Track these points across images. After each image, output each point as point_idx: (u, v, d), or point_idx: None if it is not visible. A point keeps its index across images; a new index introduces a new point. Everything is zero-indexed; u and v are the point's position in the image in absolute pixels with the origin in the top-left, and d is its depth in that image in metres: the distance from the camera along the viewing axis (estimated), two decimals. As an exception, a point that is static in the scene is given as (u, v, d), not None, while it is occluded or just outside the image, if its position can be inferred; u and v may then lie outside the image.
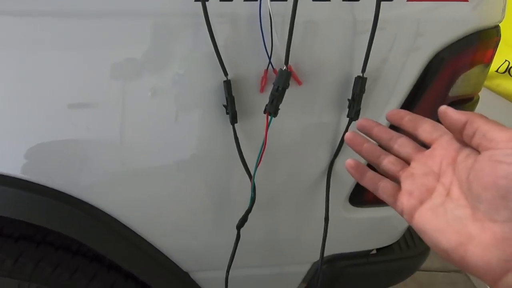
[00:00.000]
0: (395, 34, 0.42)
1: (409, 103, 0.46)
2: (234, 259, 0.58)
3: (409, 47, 0.43)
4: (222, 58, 0.39)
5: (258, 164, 0.43)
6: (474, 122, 0.24)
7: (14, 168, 0.43)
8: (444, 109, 0.25)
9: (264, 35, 0.38)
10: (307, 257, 0.64)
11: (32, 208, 0.48)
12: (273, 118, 0.39)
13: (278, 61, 0.40)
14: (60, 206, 0.48)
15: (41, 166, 0.45)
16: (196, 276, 0.65)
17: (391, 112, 0.30)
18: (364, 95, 0.43)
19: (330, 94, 0.43)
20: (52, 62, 0.38)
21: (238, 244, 0.55)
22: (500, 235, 0.20)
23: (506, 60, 1.43)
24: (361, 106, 0.43)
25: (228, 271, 0.55)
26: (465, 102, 0.50)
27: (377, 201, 0.61)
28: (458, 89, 0.47)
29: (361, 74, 0.41)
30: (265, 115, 0.40)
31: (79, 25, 0.37)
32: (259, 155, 0.42)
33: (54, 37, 0.37)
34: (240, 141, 0.43)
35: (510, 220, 0.20)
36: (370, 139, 0.31)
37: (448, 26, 0.43)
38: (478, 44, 0.45)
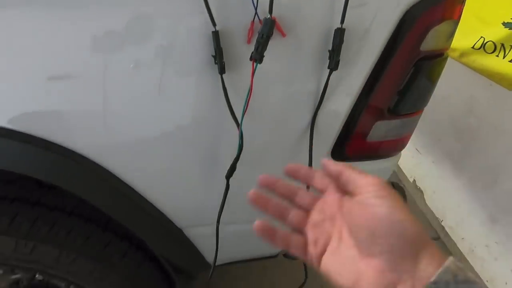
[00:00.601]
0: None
1: (385, 55, 0.50)
2: (224, 215, 0.61)
3: (383, 2, 0.46)
4: (211, 10, 0.41)
5: (245, 112, 0.46)
6: (345, 172, 0.28)
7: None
8: (324, 161, 0.30)
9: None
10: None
11: (30, 161, 0.49)
12: (258, 65, 0.42)
13: (264, 14, 0.43)
14: (61, 160, 0.50)
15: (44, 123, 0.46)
16: (190, 232, 0.69)
17: (287, 168, 0.33)
18: (344, 47, 0.46)
19: (312, 45, 0.47)
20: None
21: (228, 199, 0.59)
22: (379, 268, 0.24)
23: (481, 37, 1.48)
24: (341, 58, 0.47)
25: (218, 221, 0.59)
26: (436, 58, 0.55)
27: (358, 156, 0.66)
28: (429, 43, 0.51)
29: (340, 26, 0.45)
30: (251, 62, 0.42)
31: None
32: (245, 102, 0.45)
33: None
34: (228, 91, 0.46)
35: (382, 254, 0.24)
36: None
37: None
38: (447, 1, 0.48)
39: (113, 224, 0.69)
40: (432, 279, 0.22)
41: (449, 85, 1.68)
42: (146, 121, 0.50)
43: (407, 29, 0.48)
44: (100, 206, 0.57)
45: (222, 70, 0.44)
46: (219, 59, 0.43)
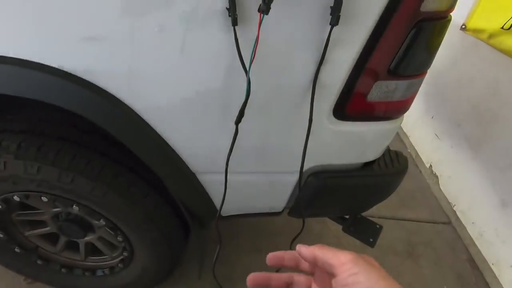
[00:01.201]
0: None
1: (385, 14, 0.54)
2: (233, 163, 0.69)
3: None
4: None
5: (252, 61, 0.52)
6: (318, 256, 0.30)
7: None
8: (298, 248, 0.32)
9: None
10: (296, 166, 0.74)
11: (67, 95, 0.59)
12: (265, 16, 0.48)
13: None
14: (100, 100, 0.60)
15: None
16: (202, 178, 0.78)
17: (269, 258, 0.34)
18: (345, 4, 0.51)
19: (315, 1, 0.51)
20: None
21: (236, 147, 0.66)
22: None
23: (512, 17, 1.42)
24: (341, 15, 0.52)
25: (227, 163, 0.67)
26: (439, 20, 0.57)
27: (359, 116, 0.70)
28: (429, 4, 0.54)
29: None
30: (259, 14, 0.48)
31: None
32: (252, 51, 0.51)
33: None
34: (239, 42, 0.52)
35: None
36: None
37: None
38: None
39: (137, 166, 0.80)
40: None
41: (473, 67, 1.63)
42: (167, 72, 0.57)
43: (407, -11, 0.52)
44: (127, 143, 0.67)
45: (234, 22, 0.50)
46: (233, 12, 0.50)
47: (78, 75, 0.57)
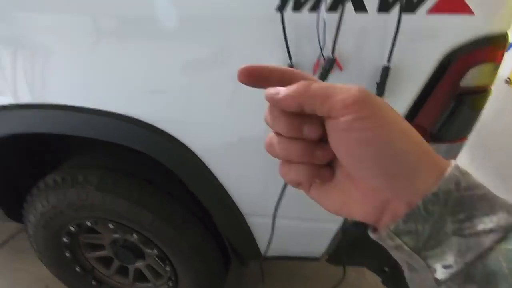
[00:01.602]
0: (416, 35, 0.57)
1: (427, 88, 0.61)
2: (281, 208, 0.76)
3: (427, 46, 0.58)
4: (289, 47, 0.59)
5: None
6: (309, 91, 0.21)
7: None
8: (269, 94, 0.23)
9: (319, 35, 0.57)
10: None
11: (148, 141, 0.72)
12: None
13: (327, 53, 0.58)
14: (163, 141, 0.73)
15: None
16: (250, 219, 0.85)
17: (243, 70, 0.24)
18: (389, 79, 0.59)
19: (362, 77, 0.60)
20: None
21: (286, 194, 0.73)
22: (368, 189, 0.23)
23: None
24: (386, 91, 0.60)
25: (276, 209, 0.73)
26: (478, 93, 0.63)
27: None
28: (469, 81, 0.60)
29: (386, 64, 0.58)
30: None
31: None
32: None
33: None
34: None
35: (372, 178, 0.21)
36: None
37: (460, 32, 0.57)
38: (486, 47, 0.58)
39: (192, 203, 0.90)
40: (433, 190, 0.20)
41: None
42: (218, 120, 0.70)
43: (448, 68, 0.59)
44: (184, 179, 0.78)
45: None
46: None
47: (145, 121, 0.71)
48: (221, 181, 0.77)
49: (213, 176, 0.77)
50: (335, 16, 0.56)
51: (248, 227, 0.86)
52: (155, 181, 0.91)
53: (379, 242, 0.23)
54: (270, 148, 0.25)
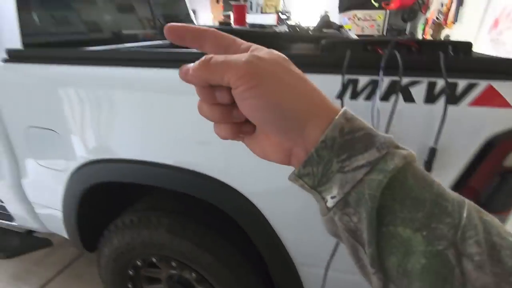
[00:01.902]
0: (459, 123, 0.67)
1: (471, 168, 0.68)
2: (334, 261, 0.83)
3: (470, 131, 0.67)
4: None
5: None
6: (208, 78, 0.25)
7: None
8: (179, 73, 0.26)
9: (373, 120, 0.68)
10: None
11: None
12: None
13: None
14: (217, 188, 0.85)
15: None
16: (301, 268, 0.92)
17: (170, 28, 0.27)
18: (435, 160, 0.68)
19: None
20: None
21: (339, 248, 0.81)
22: (275, 140, 0.28)
23: None
24: (433, 168, 0.68)
25: (329, 263, 0.81)
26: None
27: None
28: (511, 162, 0.67)
29: (433, 146, 0.67)
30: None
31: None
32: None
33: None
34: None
35: (274, 133, 0.26)
36: None
37: (500, 121, 0.65)
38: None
39: (247, 250, 1.00)
40: (322, 138, 0.24)
41: None
42: (260, 170, 0.81)
43: (490, 150, 0.67)
44: (241, 223, 0.89)
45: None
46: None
47: (194, 169, 0.84)
48: (274, 228, 0.87)
49: (267, 222, 0.87)
50: (386, 104, 0.68)
51: (299, 278, 0.94)
52: (217, 225, 1.03)
53: (293, 182, 0.27)
54: (200, 112, 0.28)
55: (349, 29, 6.11)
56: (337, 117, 0.25)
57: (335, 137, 0.24)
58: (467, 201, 0.24)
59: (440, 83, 0.65)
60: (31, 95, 1.01)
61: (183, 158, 0.87)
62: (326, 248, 0.82)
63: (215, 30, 0.28)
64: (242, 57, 0.25)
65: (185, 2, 2.16)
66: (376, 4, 6.08)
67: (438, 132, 0.66)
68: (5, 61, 1.02)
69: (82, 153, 0.99)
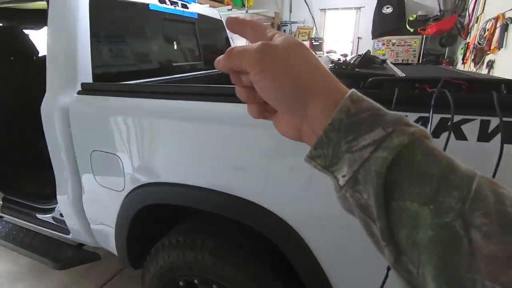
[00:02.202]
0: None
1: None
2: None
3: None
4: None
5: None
6: (233, 66, 0.30)
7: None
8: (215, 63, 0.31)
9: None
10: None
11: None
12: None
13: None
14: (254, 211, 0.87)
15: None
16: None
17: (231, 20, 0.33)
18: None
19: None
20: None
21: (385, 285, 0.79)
22: (287, 120, 0.32)
23: None
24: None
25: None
26: None
27: None
28: None
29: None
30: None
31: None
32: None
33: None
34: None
35: (282, 112, 0.31)
36: None
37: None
38: None
39: (290, 276, 1.00)
40: (329, 121, 0.26)
41: None
42: (294, 199, 0.81)
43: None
44: (281, 246, 0.91)
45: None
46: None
47: (227, 192, 0.89)
48: (315, 254, 0.87)
49: (307, 247, 0.87)
50: (436, 141, 0.69)
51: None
52: (261, 251, 1.05)
53: (308, 164, 0.29)
54: (237, 94, 0.33)
55: (383, 54, 6.09)
56: (343, 99, 0.27)
57: (341, 119, 0.26)
58: (479, 174, 0.24)
59: (494, 121, 0.65)
60: (96, 122, 1.14)
61: (222, 183, 0.94)
62: (370, 279, 0.81)
63: (254, 21, 0.33)
64: (255, 45, 0.28)
65: (225, 29, 2.31)
66: (411, 30, 6.03)
67: (495, 170, 0.66)
68: (79, 93, 1.17)
69: (137, 176, 1.09)
